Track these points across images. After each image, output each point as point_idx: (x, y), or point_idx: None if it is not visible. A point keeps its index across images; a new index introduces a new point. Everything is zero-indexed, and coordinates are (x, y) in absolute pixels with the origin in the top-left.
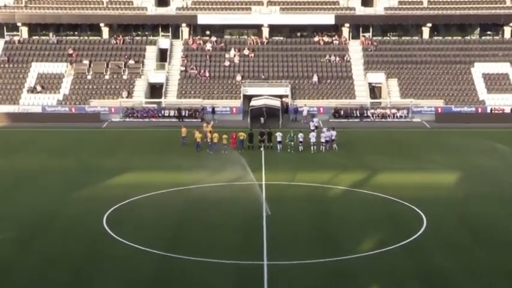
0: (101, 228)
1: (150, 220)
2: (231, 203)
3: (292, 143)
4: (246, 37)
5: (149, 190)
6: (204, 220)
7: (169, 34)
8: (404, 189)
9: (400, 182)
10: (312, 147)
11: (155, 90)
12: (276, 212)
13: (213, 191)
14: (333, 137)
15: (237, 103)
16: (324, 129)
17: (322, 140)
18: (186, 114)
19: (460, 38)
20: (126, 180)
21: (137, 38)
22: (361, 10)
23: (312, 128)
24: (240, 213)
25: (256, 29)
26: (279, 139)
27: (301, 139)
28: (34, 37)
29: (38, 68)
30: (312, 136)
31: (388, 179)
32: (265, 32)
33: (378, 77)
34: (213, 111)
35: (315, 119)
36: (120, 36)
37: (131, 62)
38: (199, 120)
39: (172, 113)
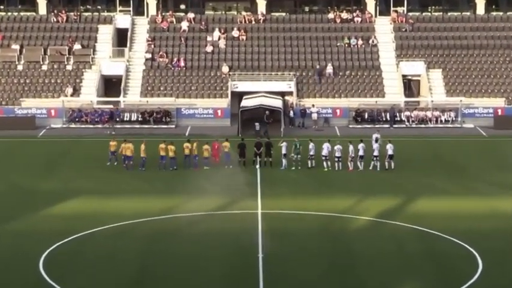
0: (36, 274)
1: (103, 263)
2: (214, 239)
3: (299, 156)
4: (235, 13)
5: (102, 222)
6: (177, 263)
7: (130, 9)
8: (451, 220)
9: (446, 211)
10: (348, 163)
11: (111, 85)
12: (276, 252)
13: (190, 223)
14: (391, 151)
15: (223, 103)
16: (377, 138)
17: (391, 152)
18: (152, 119)
19: None
20: (71, 209)
21: (86, 14)
22: None
23: (375, 144)
24: (228, 254)
25: (249, 1)
26: (283, 151)
27: (312, 152)
28: None
29: None
30: (376, 149)
31: (430, 207)
32: (261, 5)
33: (415, 68)
34: (112, 116)
35: (377, 135)
36: (63, 12)
37: (78, 46)
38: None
39: (134, 116)
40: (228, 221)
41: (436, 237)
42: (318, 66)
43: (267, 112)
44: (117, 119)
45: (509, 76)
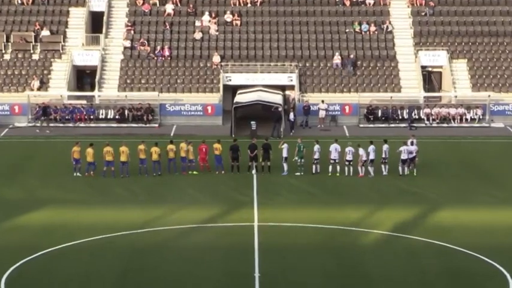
0: None
1: (75, 284)
2: (204, 256)
3: (303, 160)
4: None
5: (73, 237)
6: (161, 284)
7: None
8: (477, 235)
9: (471, 223)
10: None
11: (84, 77)
12: (275, 272)
13: (175, 237)
14: (414, 153)
15: (214, 98)
16: (412, 141)
17: (404, 156)
18: (130, 117)
19: None
20: (38, 221)
21: None
22: None
23: (412, 147)
24: (220, 273)
25: None
26: (284, 154)
27: (317, 155)
28: None
29: None
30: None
31: (452, 219)
32: None
33: (436, 58)
34: (44, 112)
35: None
36: None
37: (46, 33)
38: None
39: (111, 113)
40: (220, 235)
41: (459, 253)
42: (351, 56)
43: (278, 108)
44: (51, 117)
45: None
